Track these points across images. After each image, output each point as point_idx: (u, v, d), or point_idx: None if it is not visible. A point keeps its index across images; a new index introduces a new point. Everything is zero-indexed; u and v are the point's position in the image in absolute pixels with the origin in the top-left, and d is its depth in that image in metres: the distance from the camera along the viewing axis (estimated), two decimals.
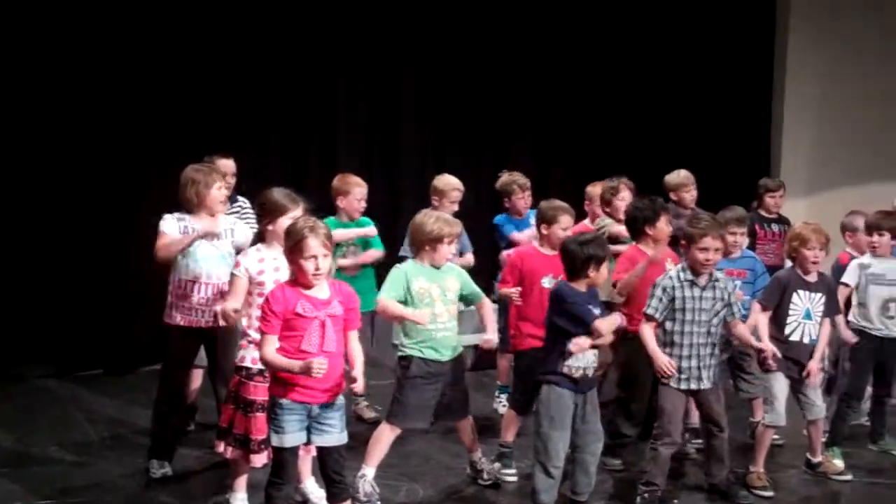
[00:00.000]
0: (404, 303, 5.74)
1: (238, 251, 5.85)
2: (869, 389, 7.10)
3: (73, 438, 6.92)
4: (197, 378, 6.81)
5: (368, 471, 5.80)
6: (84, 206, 8.49)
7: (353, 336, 4.92)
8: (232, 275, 5.43)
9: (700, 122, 11.08)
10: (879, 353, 6.83)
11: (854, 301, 6.88)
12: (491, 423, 7.08)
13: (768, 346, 6.11)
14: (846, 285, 6.81)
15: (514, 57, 10.54)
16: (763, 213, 8.37)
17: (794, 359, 6.24)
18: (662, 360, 5.80)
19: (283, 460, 4.78)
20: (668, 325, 5.88)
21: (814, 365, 6.27)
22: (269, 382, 4.84)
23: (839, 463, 6.62)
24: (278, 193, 5.51)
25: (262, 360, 4.76)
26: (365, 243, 7.24)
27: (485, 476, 6.22)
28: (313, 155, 9.59)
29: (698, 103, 11.11)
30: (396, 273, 5.80)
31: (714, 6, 11.21)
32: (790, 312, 6.25)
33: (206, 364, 6.28)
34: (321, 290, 4.76)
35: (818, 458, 6.58)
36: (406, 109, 10.12)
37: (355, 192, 7.17)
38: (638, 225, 6.46)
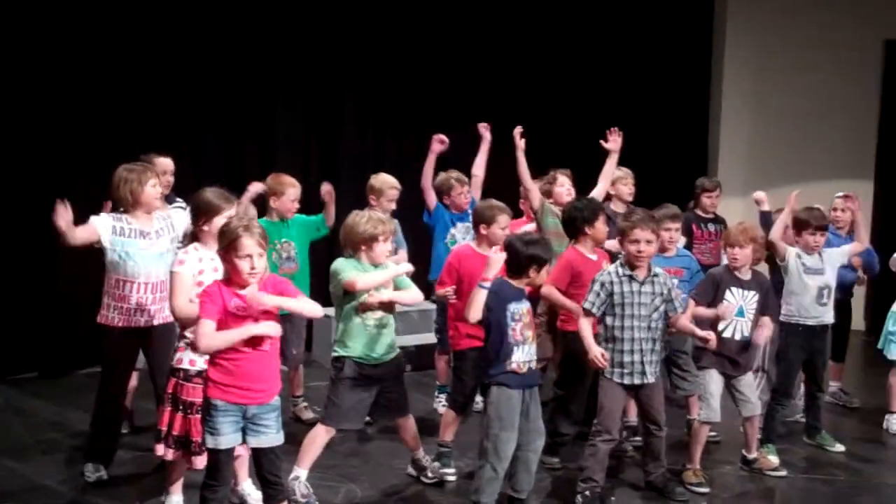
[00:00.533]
0: (344, 300, 5.72)
1: (182, 239, 5.86)
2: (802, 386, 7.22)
3: (7, 443, 6.81)
4: (133, 380, 6.73)
5: (301, 472, 5.78)
6: (16, 206, 8.33)
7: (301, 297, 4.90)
8: (172, 273, 5.35)
9: (638, 122, 11.09)
10: (808, 348, 6.93)
11: (783, 297, 6.95)
12: (430, 423, 7.07)
13: (710, 335, 6.12)
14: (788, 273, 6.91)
15: (453, 53, 10.54)
16: (700, 212, 8.45)
17: (728, 356, 6.31)
18: (595, 351, 5.82)
19: (218, 462, 4.74)
20: (608, 320, 5.92)
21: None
22: (204, 383, 4.79)
23: (774, 459, 6.71)
24: (211, 193, 5.46)
25: (203, 345, 4.63)
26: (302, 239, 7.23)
27: (429, 474, 6.23)
28: (250, 154, 9.51)
29: (636, 103, 11.19)
30: (341, 263, 5.74)
31: (651, 6, 11.31)
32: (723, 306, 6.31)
33: (143, 366, 6.21)
34: (252, 289, 4.71)
35: (753, 455, 6.66)
36: (346, 107, 10.09)
37: (289, 192, 7.13)
38: (577, 224, 6.49)
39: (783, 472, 6.62)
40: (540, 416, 5.70)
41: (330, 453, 6.07)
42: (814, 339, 6.95)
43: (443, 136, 7.71)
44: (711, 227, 8.34)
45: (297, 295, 4.85)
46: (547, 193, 7.42)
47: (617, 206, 7.80)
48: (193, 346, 5.14)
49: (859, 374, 9.37)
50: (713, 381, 6.36)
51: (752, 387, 6.53)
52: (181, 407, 5.26)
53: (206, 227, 5.35)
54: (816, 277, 6.92)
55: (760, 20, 11.41)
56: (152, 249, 5.90)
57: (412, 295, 5.84)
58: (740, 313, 6.34)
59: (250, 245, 4.65)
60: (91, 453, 6.13)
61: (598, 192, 7.31)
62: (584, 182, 7.68)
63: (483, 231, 6.36)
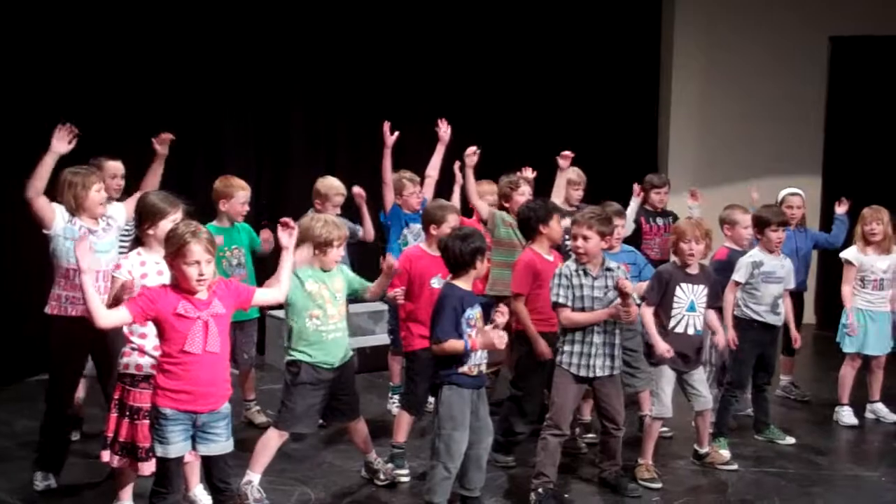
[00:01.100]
0: (298, 304, 5.69)
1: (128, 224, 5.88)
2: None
3: None
4: (82, 388, 6.66)
5: (255, 477, 5.74)
6: None
7: (258, 294, 4.97)
8: (113, 277, 5.29)
9: (587, 120, 11.21)
10: (760, 343, 7.00)
11: (739, 294, 7.01)
12: (385, 424, 7.05)
13: (660, 344, 6.19)
14: (737, 283, 6.94)
15: (401, 55, 10.52)
16: (648, 208, 8.50)
17: (680, 351, 6.34)
18: (542, 346, 6.01)
19: (167, 470, 4.69)
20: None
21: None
22: (153, 391, 4.73)
23: (725, 453, 6.76)
24: (155, 197, 5.42)
25: (100, 318, 4.58)
26: (252, 250, 7.20)
27: (381, 476, 6.22)
28: (199, 157, 9.45)
29: (586, 101, 11.26)
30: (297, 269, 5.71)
31: (599, 6, 11.36)
32: (674, 305, 6.34)
33: (93, 374, 6.13)
34: (200, 292, 4.68)
35: (705, 449, 6.71)
36: (294, 110, 10.04)
37: (239, 195, 7.07)
38: (532, 224, 6.50)
39: (734, 466, 6.67)
40: (488, 414, 5.71)
41: (282, 457, 6.04)
42: (765, 335, 7.03)
43: (388, 125, 7.64)
44: (660, 221, 8.40)
45: (253, 289, 4.94)
46: (505, 197, 7.39)
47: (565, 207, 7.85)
48: (140, 350, 5.12)
49: (810, 368, 9.48)
50: (665, 377, 6.39)
51: (703, 381, 6.57)
52: (128, 413, 5.21)
53: (151, 231, 5.30)
54: (775, 286, 6.98)
55: (708, 18, 11.49)
56: (101, 242, 5.82)
57: None
58: (691, 308, 6.37)
59: (198, 251, 4.60)
60: (40, 461, 6.04)
61: None
62: (536, 182, 7.70)
63: (433, 231, 6.36)
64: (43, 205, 5.74)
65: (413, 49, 10.58)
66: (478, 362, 5.54)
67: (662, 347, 6.13)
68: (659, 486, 6.28)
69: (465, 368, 5.48)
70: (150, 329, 4.96)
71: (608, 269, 5.98)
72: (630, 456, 6.46)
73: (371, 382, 8.39)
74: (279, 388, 5.94)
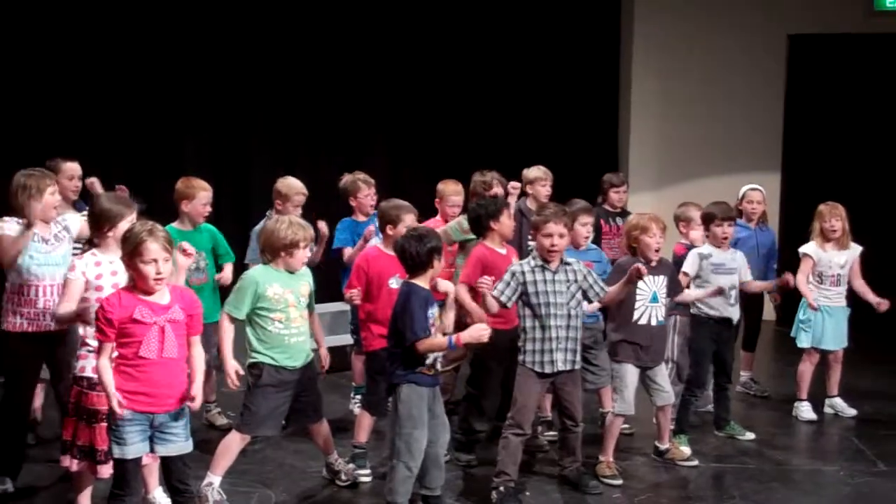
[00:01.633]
0: (258, 310, 5.67)
1: (79, 241, 5.78)
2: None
3: None
4: (39, 392, 6.60)
5: (215, 479, 5.71)
6: None
7: (195, 342, 4.83)
8: (66, 279, 5.26)
9: (548, 119, 11.27)
10: (717, 339, 7.05)
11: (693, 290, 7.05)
12: (347, 425, 7.02)
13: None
14: (686, 274, 6.99)
15: (362, 55, 10.56)
16: (608, 207, 8.52)
17: (641, 343, 6.38)
18: (478, 313, 5.98)
19: (125, 472, 4.67)
20: (526, 310, 5.94)
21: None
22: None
23: (686, 449, 6.80)
24: (109, 200, 5.39)
25: (97, 367, 4.62)
26: (215, 256, 7.14)
27: (343, 477, 6.20)
28: (158, 159, 9.40)
29: (547, 100, 11.31)
30: (245, 283, 5.68)
31: (560, 6, 11.40)
32: (637, 297, 6.37)
33: (48, 377, 6.08)
34: (161, 295, 4.65)
35: (666, 445, 6.75)
36: (255, 112, 10.01)
37: (200, 196, 7.00)
38: (482, 222, 6.51)
39: (695, 462, 6.71)
40: (444, 412, 5.71)
41: (243, 458, 6.01)
42: (721, 331, 7.08)
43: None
44: (619, 221, 8.41)
45: (197, 329, 4.83)
46: (478, 196, 7.38)
47: (532, 205, 7.89)
48: (97, 353, 5.08)
49: (770, 364, 9.58)
50: (629, 374, 6.42)
51: (666, 377, 6.61)
52: (85, 416, 5.17)
53: (110, 234, 5.26)
54: (727, 277, 7.03)
55: (667, 16, 11.56)
56: (54, 253, 5.79)
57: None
58: (654, 299, 6.40)
59: (155, 249, 4.58)
60: None
61: None
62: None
63: (390, 231, 6.33)
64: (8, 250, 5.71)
65: (374, 48, 10.61)
66: (433, 362, 5.54)
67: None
68: (620, 482, 6.30)
69: (423, 368, 5.47)
70: None
71: (566, 264, 5.99)
72: (591, 453, 6.47)
73: (334, 383, 8.36)
74: (238, 390, 5.90)
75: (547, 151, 9.62)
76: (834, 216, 7.61)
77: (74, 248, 5.99)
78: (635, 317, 6.38)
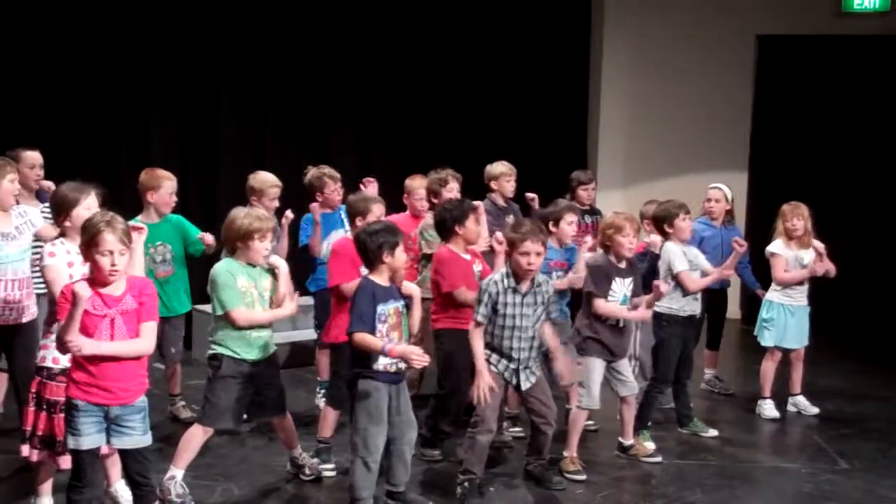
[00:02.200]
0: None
1: (39, 238, 5.72)
2: None
3: None
4: (2, 383, 6.55)
5: (178, 472, 5.67)
6: None
7: (144, 329, 4.67)
8: (46, 266, 5.17)
9: (518, 116, 11.27)
10: (684, 336, 7.09)
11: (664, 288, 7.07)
12: (313, 419, 7.01)
13: (637, 314, 6.34)
14: (684, 270, 6.97)
15: (333, 50, 10.49)
16: (577, 205, 8.51)
17: (609, 342, 6.40)
18: (484, 380, 5.77)
19: (82, 463, 4.64)
20: (489, 328, 5.89)
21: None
22: (66, 383, 4.68)
23: (650, 445, 6.83)
24: (66, 188, 5.32)
25: (61, 338, 4.49)
26: (186, 240, 7.08)
27: (307, 471, 6.19)
28: (124, 151, 9.34)
29: (517, 99, 11.31)
30: (224, 276, 5.63)
31: (533, 3, 11.41)
32: (609, 299, 6.38)
33: (7, 367, 6.03)
34: (117, 286, 4.60)
35: (630, 441, 6.77)
36: (222, 103, 9.96)
37: (165, 185, 6.95)
38: (447, 225, 6.49)
39: (658, 458, 6.75)
40: (410, 408, 5.69)
41: (206, 452, 5.97)
42: (686, 329, 7.12)
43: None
44: (588, 219, 8.44)
45: (149, 316, 4.70)
46: (434, 193, 7.39)
47: (499, 200, 7.89)
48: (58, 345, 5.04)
49: (735, 362, 9.65)
50: (596, 369, 6.44)
51: (629, 368, 6.64)
52: (45, 406, 5.13)
53: (67, 223, 5.22)
54: (695, 274, 7.06)
55: (637, 16, 11.61)
56: (15, 246, 5.73)
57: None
58: (624, 301, 6.42)
59: (111, 241, 4.53)
60: None
61: None
62: (467, 177, 7.72)
63: (359, 223, 6.31)
64: None
65: (343, 40, 10.55)
66: (393, 361, 5.49)
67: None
68: (583, 478, 6.32)
69: (380, 366, 5.45)
70: None
71: (538, 286, 5.94)
72: (556, 449, 6.48)
73: (299, 377, 8.35)
74: (204, 383, 5.88)
75: (516, 148, 9.63)
76: (796, 215, 7.66)
77: (35, 248, 5.88)
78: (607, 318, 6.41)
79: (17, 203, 5.93)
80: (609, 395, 6.72)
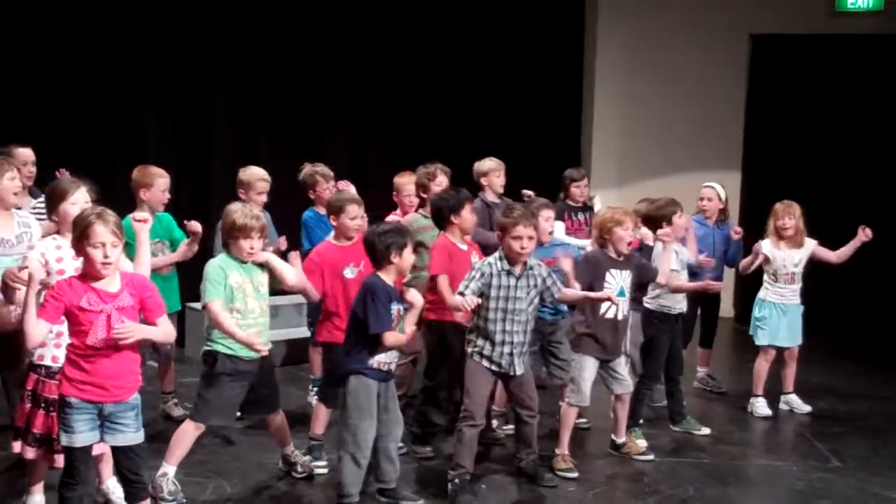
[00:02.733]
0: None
1: None
2: None
3: None
4: None
5: (170, 469, 5.68)
6: None
7: (161, 323, 4.73)
8: (24, 257, 5.18)
9: (512, 114, 11.28)
10: (672, 333, 7.10)
11: (655, 289, 7.08)
12: (305, 417, 7.01)
13: (601, 294, 6.21)
14: (676, 271, 6.99)
15: (328, 49, 10.50)
16: (570, 202, 8.55)
17: (605, 337, 6.40)
18: (454, 300, 5.84)
19: (75, 460, 4.64)
20: (483, 312, 5.91)
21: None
22: (60, 380, 4.67)
23: (642, 443, 6.84)
24: (58, 181, 5.34)
25: (29, 342, 4.56)
26: (171, 241, 7.06)
27: (298, 469, 6.19)
28: (118, 149, 9.34)
29: (511, 97, 11.33)
30: (213, 270, 5.64)
31: (526, 2, 11.42)
32: (605, 291, 6.39)
33: None
34: (111, 282, 4.59)
35: (622, 439, 6.78)
36: (217, 102, 9.96)
37: (158, 183, 6.94)
38: (443, 214, 6.51)
39: (651, 456, 6.75)
40: (397, 406, 5.71)
41: (199, 449, 5.97)
42: (675, 325, 7.14)
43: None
44: (581, 216, 8.45)
45: (158, 310, 4.74)
46: (423, 187, 7.40)
47: (490, 197, 7.89)
48: (56, 343, 5.04)
49: (727, 360, 9.65)
50: (588, 367, 6.45)
51: (624, 366, 6.64)
52: (42, 404, 5.11)
53: (56, 218, 5.22)
54: (682, 272, 7.08)
55: (631, 15, 11.62)
56: (13, 253, 5.69)
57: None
58: (621, 293, 6.41)
59: (103, 233, 4.52)
60: None
61: None
62: (458, 173, 7.73)
63: (333, 222, 6.34)
64: None
65: (337, 41, 10.57)
66: (388, 360, 5.53)
67: (604, 295, 6.12)
68: (575, 475, 6.33)
69: (374, 364, 5.47)
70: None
71: (530, 269, 5.99)
72: (547, 446, 6.50)
73: (292, 375, 8.36)
74: (197, 381, 5.88)
75: (511, 146, 9.64)
76: (787, 214, 7.67)
77: None
78: (602, 310, 6.40)
79: (20, 207, 5.92)
80: (601, 393, 6.73)
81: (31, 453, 5.20)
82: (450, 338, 6.28)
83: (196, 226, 6.47)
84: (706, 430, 7.32)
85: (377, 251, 5.50)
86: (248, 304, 5.68)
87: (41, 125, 8.74)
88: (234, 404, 5.80)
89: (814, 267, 7.84)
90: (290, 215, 7.68)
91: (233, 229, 5.62)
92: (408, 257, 5.57)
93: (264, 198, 7.28)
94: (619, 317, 6.44)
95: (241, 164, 7.77)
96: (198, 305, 7.98)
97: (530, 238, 5.89)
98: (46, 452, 5.17)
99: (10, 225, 5.68)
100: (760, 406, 7.82)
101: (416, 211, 7.34)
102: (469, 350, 5.98)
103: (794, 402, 7.96)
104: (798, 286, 7.75)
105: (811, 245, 7.70)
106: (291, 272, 5.80)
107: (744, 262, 7.81)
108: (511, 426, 6.93)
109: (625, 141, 11.70)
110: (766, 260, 7.67)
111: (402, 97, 10.88)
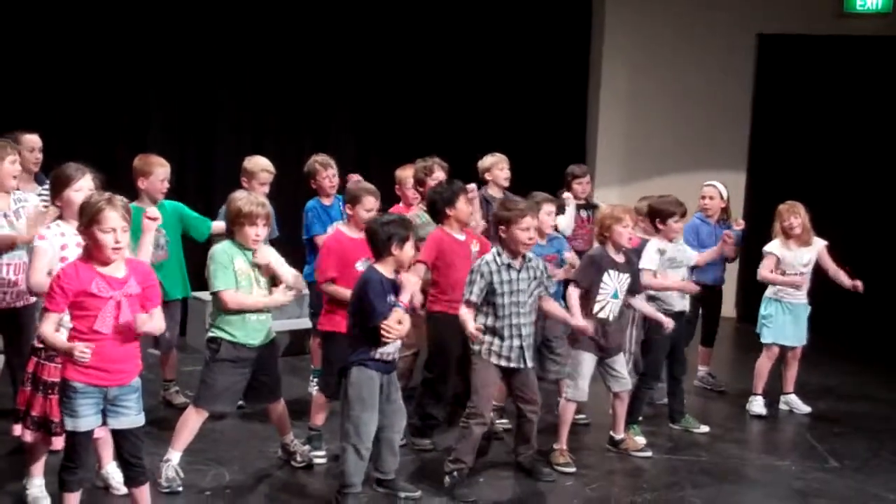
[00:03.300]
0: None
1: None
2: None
3: None
4: None
5: (174, 455, 5.72)
6: None
7: (157, 312, 4.76)
8: (33, 247, 5.20)
9: (518, 114, 11.27)
10: (672, 333, 7.09)
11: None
12: (305, 407, 7.01)
13: (582, 324, 6.25)
14: (649, 270, 7.01)
15: (334, 41, 10.50)
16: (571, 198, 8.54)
17: (601, 338, 6.42)
18: (470, 327, 5.79)
19: (77, 444, 4.66)
20: (488, 308, 5.92)
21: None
22: (62, 365, 4.68)
23: (640, 440, 6.86)
24: (64, 167, 5.33)
25: (40, 336, 4.60)
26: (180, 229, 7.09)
27: (298, 458, 6.22)
28: (123, 137, 9.35)
29: (517, 95, 11.30)
30: (220, 254, 5.66)
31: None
32: (600, 291, 6.41)
33: (3, 348, 6.05)
34: (118, 268, 4.61)
35: (621, 436, 6.79)
36: (222, 92, 9.97)
37: (158, 172, 6.93)
38: (438, 207, 6.54)
39: (649, 453, 6.77)
40: (400, 397, 5.73)
41: (199, 437, 5.96)
42: (677, 324, 7.10)
43: None
44: (583, 213, 8.46)
45: (156, 300, 4.77)
46: (420, 182, 7.40)
47: (494, 191, 7.90)
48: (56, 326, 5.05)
49: (729, 360, 9.65)
50: (586, 362, 6.46)
51: (624, 364, 6.65)
52: (41, 387, 5.13)
53: (59, 203, 5.24)
54: (678, 271, 7.10)
55: (638, 13, 11.59)
56: (13, 230, 5.74)
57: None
58: (615, 295, 6.44)
59: (114, 217, 4.55)
60: None
61: None
62: (463, 170, 7.74)
63: (349, 212, 6.34)
64: None
65: (343, 33, 10.56)
66: (391, 351, 5.54)
67: (582, 324, 6.20)
68: (573, 470, 6.35)
69: (376, 356, 5.48)
70: None
71: (529, 261, 6.01)
72: (545, 441, 6.52)
73: (293, 365, 8.38)
74: (200, 369, 5.90)
75: (516, 144, 9.64)
76: (792, 214, 7.68)
77: None
78: (595, 309, 6.42)
79: (18, 188, 5.95)
80: (600, 389, 6.75)
81: (29, 436, 5.23)
82: (449, 331, 6.28)
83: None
84: (705, 429, 7.33)
85: (378, 241, 5.51)
86: (252, 291, 5.70)
87: (48, 113, 8.76)
88: (236, 391, 5.83)
89: (814, 268, 7.83)
90: (292, 207, 7.69)
91: (238, 216, 5.64)
92: (408, 250, 5.57)
93: (266, 188, 7.30)
94: (611, 318, 6.46)
95: (246, 154, 7.79)
96: (200, 295, 8.05)
97: (535, 229, 5.96)
98: (44, 435, 5.19)
99: (7, 203, 5.78)
100: (757, 405, 7.83)
101: (417, 205, 7.34)
102: (477, 348, 5.96)
103: (794, 403, 7.96)
104: (806, 286, 7.75)
105: (820, 245, 7.70)
106: (290, 274, 5.80)
107: (763, 275, 7.76)
108: (505, 420, 6.95)
109: (629, 140, 11.69)
110: (777, 262, 7.67)
111: (408, 94, 10.87)
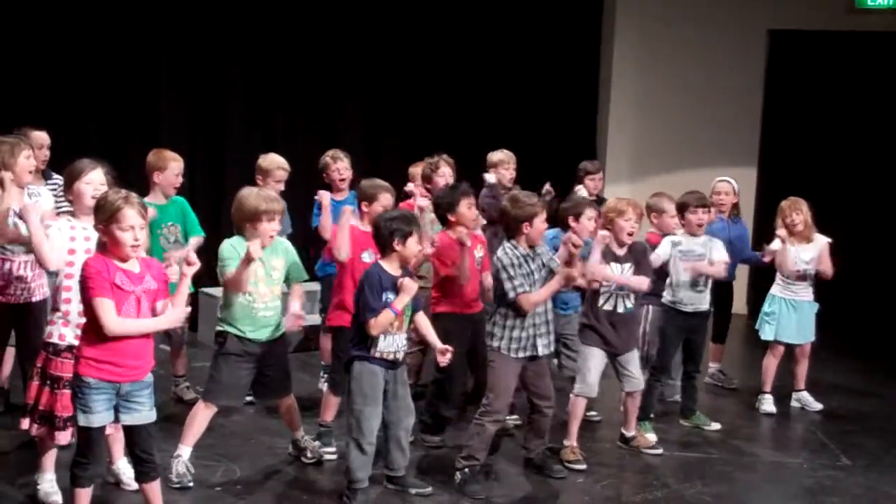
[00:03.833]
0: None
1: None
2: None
3: None
4: (9, 359, 6.58)
5: (184, 450, 5.73)
6: None
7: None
8: (48, 233, 5.18)
9: (529, 110, 11.26)
10: (687, 329, 7.08)
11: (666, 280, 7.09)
12: (315, 403, 7.01)
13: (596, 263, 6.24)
14: (656, 258, 6.98)
15: (345, 36, 10.49)
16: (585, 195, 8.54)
17: (604, 329, 6.41)
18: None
19: (90, 440, 4.66)
20: (504, 299, 5.90)
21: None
22: (76, 360, 4.68)
23: (651, 437, 6.84)
24: (77, 161, 5.33)
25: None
26: (185, 224, 7.06)
27: (308, 454, 6.22)
28: (134, 132, 9.36)
29: (527, 91, 11.28)
30: (227, 249, 5.67)
31: None
32: (603, 283, 6.39)
33: (15, 343, 6.06)
34: (133, 264, 4.64)
35: (632, 433, 6.77)
36: (233, 86, 9.97)
37: (171, 167, 6.95)
38: (441, 213, 6.53)
39: (660, 450, 6.76)
40: (408, 394, 5.72)
41: (209, 433, 5.98)
42: (691, 321, 7.10)
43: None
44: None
45: (167, 301, 4.78)
46: (427, 179, 7.40)
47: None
48: (65, 319, 5.06)
49: (740, 357, 9.61)
50: (594, 357, 6.44)
51: (637, 364, 6.60)
52: (48, 381, 5.15)
53: (70, 196, 5.25)
54: (694, 263, 7.05)
55: (647, 9, 11.56)
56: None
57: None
58: (620, 286, 6.42)
59: (132, 216, 4.58)
60: None
61: None
62: (474, 167, 7.73)
63: (365, 208, 6.32)
64: None
65: (354, 28, 10.55)
66: (392, 349, 5.52)
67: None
68: (584, 467, 6.33)
69: (377, 354, 5.48)
70: (74, 294, 4.93)
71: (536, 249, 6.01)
72: (556, 438, 6.50)
73: (304, 361, 8.39)
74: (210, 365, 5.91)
75: (526, 140, 9.65)
76: (794, 210, 7.65)
77: None
78: (601, 302, 6.41)
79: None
80: (611, 386, 6.74)
81: (35, 430, 5.24)
82: (457, 330, 6.26)
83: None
84: (716, 426, 7.31)
85: (382, 237, 5.51)
86: (259, 287, 5.71)
87: (58, 109, 8.77)
88: (242, 385, 5.83)
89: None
90: (302, 203, 7.68)
91: (253, 215, 5.63)
92: (411, 246, 5.54)
93: (281, 186, 7.27)
94: (620, 309, 6.43)
95: (256, 153, 7.78)
96: (210, 290, 8.06)
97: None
98: (50, 429, 5.20)
99: (22, 197, 5.74)
100: (766, 403, 7.80)
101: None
102: (494, 344, 5.94)
103: (806, 400, 7.94)
104: (809, 283, 7.72)
105: (823, 243, 7.67)
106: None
107: (777, 261, 7.74)
108: (515, 416, 6.92)
109: (640, 136, 11.66)
110: (774, 256, 7.66)
111: (419, 90, 10.86)
